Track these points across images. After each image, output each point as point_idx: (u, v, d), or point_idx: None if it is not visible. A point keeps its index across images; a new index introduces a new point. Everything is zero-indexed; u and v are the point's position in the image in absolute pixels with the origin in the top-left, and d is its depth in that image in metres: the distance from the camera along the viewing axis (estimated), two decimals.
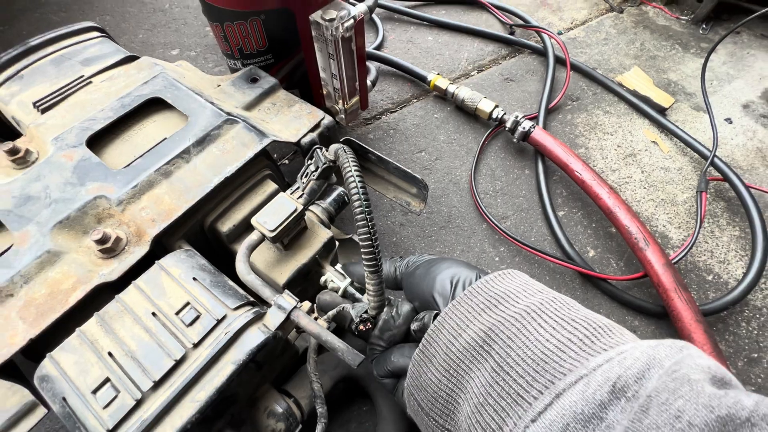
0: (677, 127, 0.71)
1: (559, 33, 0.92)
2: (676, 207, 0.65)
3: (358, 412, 0.48)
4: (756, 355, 0.52)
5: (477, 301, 0.29)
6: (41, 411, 0.36)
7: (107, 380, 0.31)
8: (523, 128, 0.66)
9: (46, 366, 0.32)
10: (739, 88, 0.81)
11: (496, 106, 0.70)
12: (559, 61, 0.82)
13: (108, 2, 1.01)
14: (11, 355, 0.32)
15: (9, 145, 0.41)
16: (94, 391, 0.30)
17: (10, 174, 0.41)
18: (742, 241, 0.61)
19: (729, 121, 0.76)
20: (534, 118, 0.74)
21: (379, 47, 0.86)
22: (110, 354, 0.32)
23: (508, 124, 0.68)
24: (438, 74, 0.77)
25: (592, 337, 0.23)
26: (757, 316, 0.55)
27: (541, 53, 0.85)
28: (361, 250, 0.33)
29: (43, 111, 0.47)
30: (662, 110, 0.75)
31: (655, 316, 0.54)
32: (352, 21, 0.52)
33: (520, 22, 0.90)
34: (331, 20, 0.51)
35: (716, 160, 0.64)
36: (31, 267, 0.35)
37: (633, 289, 0.57)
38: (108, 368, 0.31)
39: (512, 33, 0.89)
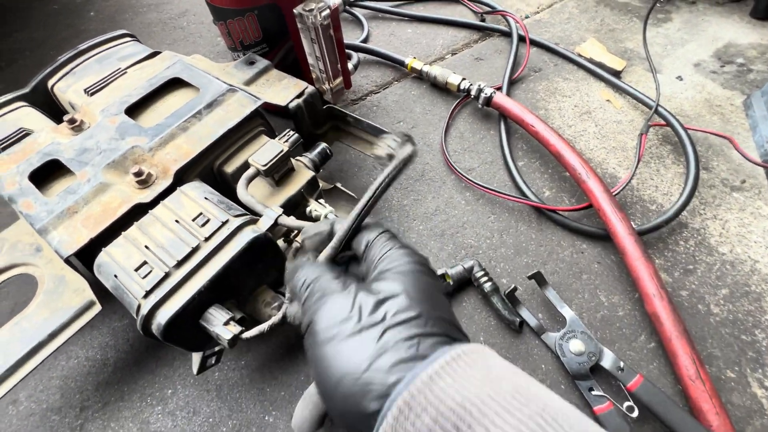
0: (629, 86, 0.80)
1: (526, 17, 1.02)
2: (626, 152, 0.72)
3: None
4: (691, 267, 0.59)
5: (426, 424, 0.19)
6: (97, 307, 0.48)
7: (144, 262, 0.42)
8: (485, 94, 0.76)
9: (102, 257, 0.43)
10: (692, 50, 0.88)
11: (464, 79, 0.81)
12: (523, 40, 0.92)
13: (135, 26, 1.19)
14: (80, 247, 0.44)
15: (69, 116, 0.55)
16: (136, 269, 0.42)
17: (70, 137, 0.54)
18: (684, 176, 0.68)
19: (680, 78, 0.83)
20: (499, 88, 0.83)
21: (365, 41, 0.98)
22: (146, 246, 0.43)
23: (473, 93, 0.78)
24: (414, 58, 0.88)
25: None
26: (695, 235, 0.62)
27: (509, 35, 0.95)
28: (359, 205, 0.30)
29: (92, 95, 0.61)
30: (616, 73, 0.84)
31: (601, 239, 0.62)
32: (328, 10, 0.64)
33: (489, 9, 1.00)
34: (311, 10, 0.63)
35: (661, 109, 0.72)
36: (89, 193, 0.47)
37: (582, 219, 0.65)
38: (145, 255, 0.43)
39: (483, 20, 1.00)
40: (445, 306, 0.26)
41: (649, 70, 0.85)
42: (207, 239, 0.43)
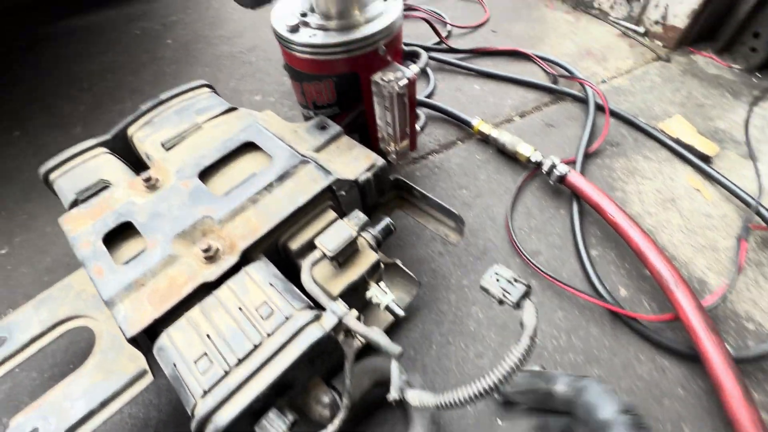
0: (721, 175, 0.72)
1: (603, 81, 0.96)
2: (717, 253, 0.65)
3: (392, 415, 0.54)
4: None
5: None
6: (149, 377, 0.47)
7: (205, 354, 0.41)
8: (559, 172, 0.72)
9: (163, 339, 0.43)
10: None
11: (535, 150, 0.77)
12: (600, 109, 0.87)
13: (207, 56, 1.24)
14: (143, 328, 0.43)
15: (145, 174, 0.56)
16: (196, 361, 0.40)
17: (144, 196, 0.55)
18: None
19: None
20: (572, 162, 0.78)
21: (430, 95, 0.96)
22: (208, 335, 0.42)
23: (545, 168, 0.74)
24: (482, 119, 0.85)
25: None
26: None
27: (583, 101, 0.90)
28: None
29: (168, 149, 0.62)
30: (706, 158, 0.77)
31: (687, 358, 0.55)
32: (406, 81, 0.62)
33: (564, 72, 0.96)
34: (389, 81, 0.62)
35: (762, 209, 0.65)
36: (158, 265, 0.47)
37: (666, 330, 0.58)
38: (206, 346, 0.41)
39: (555, 82, 0.96)
40: None
41: (743, 156, 0.77)
42: (270, 335, 0.41)
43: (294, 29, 0.60)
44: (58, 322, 0.52)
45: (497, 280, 0.41)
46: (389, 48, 0.64)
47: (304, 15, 0.61)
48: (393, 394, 0.39)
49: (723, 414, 0.50)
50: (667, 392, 0.53)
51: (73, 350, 0.63)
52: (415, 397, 0.38)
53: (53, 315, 0.52)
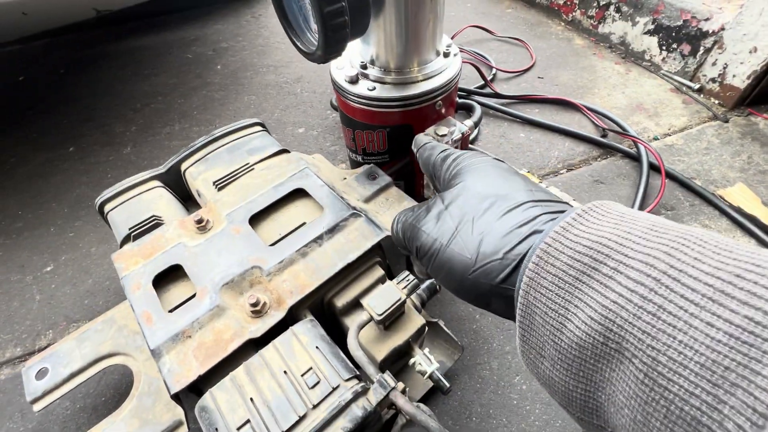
0: None
1: (655, 138, 0.93)
2: None
3: None
4: None
5: (561, 267, 0.20)
6: (184, 429, 0.46)
7: (248, 421, 0.39)
8: None
9: (207, 399, 0.41)
10: None
11: None
12: (654, 168, 0.83)
13: (254, 85, 1.28)
14: (188, 384, 0.42)
15: (198, 216, 0.56)
16: (239, 429, 0.39)
17: (195, 237, 0.55)
18: None
19: None
20: None
21: (473, 141, 0.96)
22: (252, 399, 0.41)
23: None
24: (528, 171, 0.83)
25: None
26: None
27: (634, 158, 0.87)
28: None
29: (219, 189, 0.62)
30: None
31: None
32: (460, 136, 0.62)
33: (614, 126, 0.94)
34: (443, 136, 0.61)
35: None
36: (206, 317, 0.46)
37: None
38: (249, 411, 0.40)
39: (605, 136, 0.94)
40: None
41: None
42: (315, 407, 0.40)
43: (353, 80, 0.61)
44: (99, 357, 0.52)
45: None
46: (445, 102, 0.64)
47: (363, 67, 0.61)
48: None
49: None
50: None
51: (106, 382, 0.63)
52: None
53: (95, 350, 0.52)
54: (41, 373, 0.51)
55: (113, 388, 0.62)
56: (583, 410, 0.20)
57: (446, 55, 0.63)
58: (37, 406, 0.49)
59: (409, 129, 0.64)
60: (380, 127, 0.63)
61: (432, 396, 0.58)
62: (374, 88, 0.60)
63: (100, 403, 0.61)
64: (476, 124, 0.70)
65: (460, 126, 0.63)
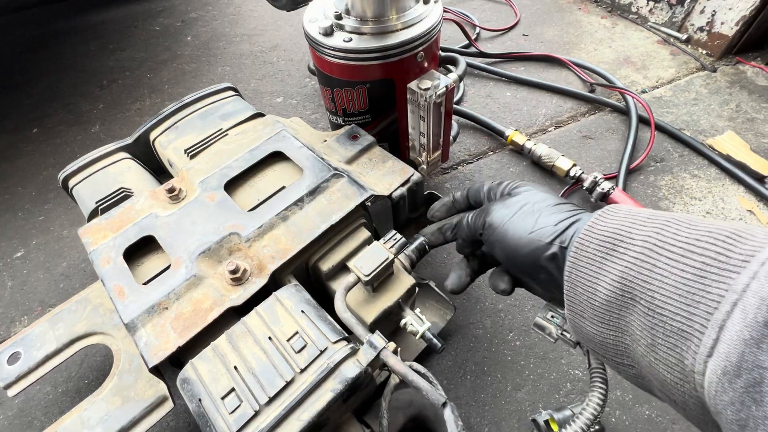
0: None
1: (643, 91, 0.91)
2: None
3: None
4: None
5: (592, 250, 0.28)
6: (169, 405, 0.44)
7: (233, 390, 0.37)
8: (602, 189, 0.67)
9: (188, 370, 0.39)
10: None
11: (574, 165, 0.72)
12: (643, 121, 0.82)
13: (228, 56, 1.21)
14: (166, 357, 0.40)
15: (169, 185, 0.53)
16: (223, 398, 0.37)
17: (167, 208, 0.52)
18: None
19: None
20: (613, 178, 0.74)
21: (459, 101, 0.92)
22: (236, 368, 0.39)
23: (586, 184, 0.69)
24: (515, 130, 0.80)
25: (726, 253, 0.22)
26: None
27: (623, 111, 0.85)
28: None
29: (191, 157, 0.58)
30: (761, 178, 0.71)
31: None
32: (444, 89, 0.58)
33: (602, 80, 0.91)
34: (426, 89, 0.58)
35: None
36: (182, 287, 0.44)
37: None
38: (234, 380, 0.38)
39: (593, 91, 0.91)
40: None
41: None
42: (303, 371, 0.38)
43: (327, 32, 0.57)
44: (74, 338, 0.49)
45: (552, 317, 0.39)
46: (427, 54, 0.60)
47: (338, 17, 0.57)
48: None
49: None
50: None
51: (88, 364, 0.61)
52: None
53: (69, 331, 0.49)
54: (13, 358, 0.48)
55: (96, 370, 0.60)
56: (616, 353, 0.27)
57: (426, 1, 0.59)
58: (12, 392, 0.46)
59: (390, 84, 0.60)
60: (359, 83, 0.60)
61: (426, 357, 0.57)
62: (350, 40, 0.56)
63: (83, 386, 0.59)
64: (461, 78, 0.67)
65: (444, 79, 0.59)
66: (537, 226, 0.33)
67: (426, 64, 0.62)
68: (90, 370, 0.60)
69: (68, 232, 0.78)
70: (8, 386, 0.46)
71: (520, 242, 0.33)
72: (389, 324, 0.50)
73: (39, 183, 0.88)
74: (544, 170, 0.77)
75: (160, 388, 0.44)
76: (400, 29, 0.56)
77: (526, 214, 0.34)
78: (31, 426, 0.56)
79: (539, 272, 0.33)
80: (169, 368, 0.44)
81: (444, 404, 0.37)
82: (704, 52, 0.98)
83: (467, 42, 1.03)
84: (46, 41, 1.35)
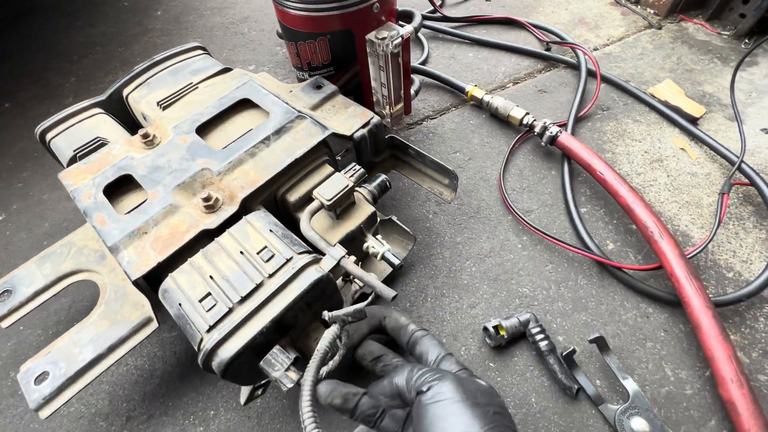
0: (707, 135, 0.74)
1: (595, 49, 0.97)
2: (701, 209, 0.68)
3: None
4: None
5: None
6: (154, 324, 0.49)
7: (209, 294, 0.42)
8: (551, 133, 0.73)
9: (168, 282, 0.44)
10: None
11: (527, 113, 0.78)
12: (592, 74, 0.88)
13: (199, 28, 1.22)
14: (147, 270, 0.44)
15: (143, 131, 0.56)
16: (200, 300, 0.42)
17: (143, 151, 0.56)
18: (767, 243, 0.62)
19: (766, 131, 0.77)
20: (564, 125, 0.80)
21: (424, 62, 0.97)
22: (211, 277, 0.43)
23: (537, 129, 0.75)
24: (475, 85, 0.86)
25: None
26: None
27: (575, 67, 0.91)
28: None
29: (164, 108, 0.62)
30: (693, 120, 0.78)
31: (669, 304, 0.58)
32: (400, 39, 0.63)
33: (557, 39, 0.97)
34: (383, 39, 0.62)
35: (744, 166, 0.67)
36: (159, 215, 0.48)
37: (649, 279, 0.61)
38: (209, 286, 0.43)
39: (548, 49, 0.97)
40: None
41: (729, 119, 0.79)
42: (271, 276, 0.43)
43: None
44: (61, 276, 0.53)
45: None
46: (383, 6, 0.65)
47: None
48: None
49: (701, 353, 0.53)
50: (650, 336, 0.56)
51: (77, 308, 0.64)
52: None
53: (56, 270, 0.53)
54: (5, 295, 0.52)
55: (85, 313, 0.64)
56: None
57: None
58: (5, 324, 0.50)
59: (350, 35, 0.64)
60: (321, 35, 0.64)
61: (391, 284, 0.62)
62: None
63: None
64: (417, 30, 0.71)
65: (400, 30, 0.64)
66: None
67: (383, 17, 0.66)
68: (78, 314, 0.64)
69: (48, 196, 0.81)
70: (1, 319, 0.50)
71: None
72: (354, 253, 0.55)
73: (15, 154, 0.90)
74: (501, 121, 0.83)
75: (146, 310, 0.49)
76: None
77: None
78: None
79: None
80: (152, 296, 0.48)
81: (394, 298, 0.43)
82: (652, 12, 1.04)
83: (432, 8, 1.07)
84: (11, 20, 1.33)
